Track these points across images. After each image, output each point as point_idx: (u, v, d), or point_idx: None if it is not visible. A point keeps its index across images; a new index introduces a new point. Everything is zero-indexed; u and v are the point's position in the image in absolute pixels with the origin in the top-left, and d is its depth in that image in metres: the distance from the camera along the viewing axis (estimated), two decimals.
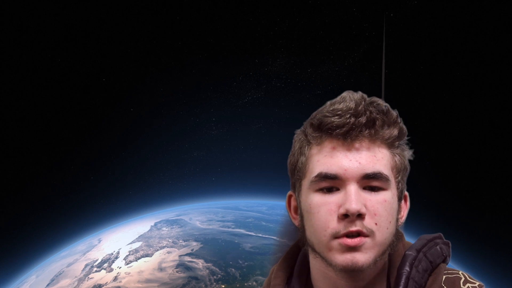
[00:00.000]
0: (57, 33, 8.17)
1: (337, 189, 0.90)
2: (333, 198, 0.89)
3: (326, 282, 0.97)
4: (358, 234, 0.87)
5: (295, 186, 1.00)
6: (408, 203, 1.01)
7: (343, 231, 0.87)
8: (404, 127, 0.96)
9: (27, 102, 8.93)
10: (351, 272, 0.88)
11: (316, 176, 0.91)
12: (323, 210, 0.89)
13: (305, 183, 0.95)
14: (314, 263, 0.99)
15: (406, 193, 1.01)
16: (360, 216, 0.87)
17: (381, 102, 0.94)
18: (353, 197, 0.87)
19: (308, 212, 0.92)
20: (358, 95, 0.93)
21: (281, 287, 1.03)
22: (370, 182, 0.90)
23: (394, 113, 0.94)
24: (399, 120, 0.94)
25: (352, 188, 0.88)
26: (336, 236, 0.88)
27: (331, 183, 0.90)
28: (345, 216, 0.87)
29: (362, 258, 0.87)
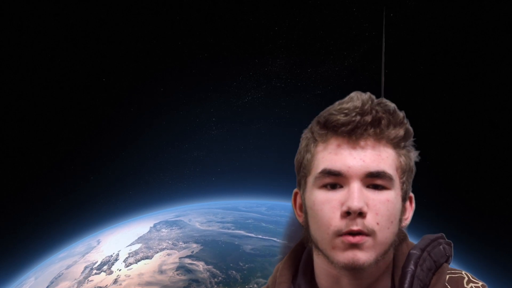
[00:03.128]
0: (57, 33, 8.17)
1: (341, 187, 0.91)
2: (336, 196, 0.90)
3: (330, 280, 0.97)
4: (359, 233, 0.87)
5: (301, 183, 1.00)
6: (413, 204, 1.01)
7: (345, 230, 0.87)
8: (410, 128, 0.96)
9: (27, 102, 8.93)
10: (352, 270, 0.88)
11: (320, 172, 0.92)
12: (326, 207, 0.90)
13: (310, 180, 0.95)
14: (318, 261, 0.99)
15: (412, 194, 1.01)
16: (361, 214, 0.87)
17: (389, 103, 0.95)
18: (356, 194, 0.87)
19: (312, 209, 0.93)
20: (366, 95, 0.93)
21: (287, 285, 1.03)
22: (374, 180, 0.90)
23: (401, 114, 0.94)
24: (405, 121, 0.95)
25: (355, 186, 0.88)
26: (338, 234, 0.88)
27: (334, 179, 0.91)
28: (347, 214, 0.87)
29: (363, 256, 0.87)
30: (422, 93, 7.69)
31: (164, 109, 11.33)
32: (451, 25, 7.12)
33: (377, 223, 0.88)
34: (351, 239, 0.87)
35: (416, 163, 1.00)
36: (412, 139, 0.97)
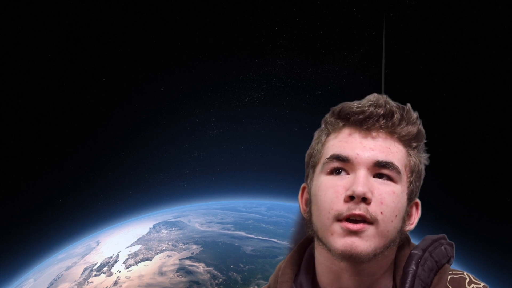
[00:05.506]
0: (57, 33, 8.17)
1: (347, 174, 0.91)
2: (342, 182, 0.90)
3: (331, 276, 0.95)
4: (361, 219, 0.86)
5: (309, 174, 1.00)
6: (419, 211, 1.01)
7: (346, 213, 0.86)
8: (423, 130, 0.97)
9: (27, 102, 8.92)
10: (349, 258, 0.86)
11: (328, 158, 0.93)
12: (330, 191, 0.89)
13: (318, 168, 0.96)
14: (319, 257, 0.98)
15: (418, 201, 1.00)
16: (365, 200, 0.86)
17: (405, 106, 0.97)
18: (361, 180, 0.87)
19: (316, 195, 0.92)
20: (383, 96, 0.96)
21: (288, 284, 1.01)
22: (381, 170, 0.90)
23: (415, 114, 0.96)
24: (418, 121, 0.96)
25: (362, 173, 0.88)
26: (338, 219, 0.87)
27: (342, 164, 0.91)
28: (351, 199, 0.87)
29: (362, 244, 0.85)
30: (422, 93, 7.68)
31: (164, 109, 11.32)
32: (451, 25, 7.12)
33: (381, 212, 0.87)
34: (351, 226, 0.85)
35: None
36: (424, 142, 0.97)
